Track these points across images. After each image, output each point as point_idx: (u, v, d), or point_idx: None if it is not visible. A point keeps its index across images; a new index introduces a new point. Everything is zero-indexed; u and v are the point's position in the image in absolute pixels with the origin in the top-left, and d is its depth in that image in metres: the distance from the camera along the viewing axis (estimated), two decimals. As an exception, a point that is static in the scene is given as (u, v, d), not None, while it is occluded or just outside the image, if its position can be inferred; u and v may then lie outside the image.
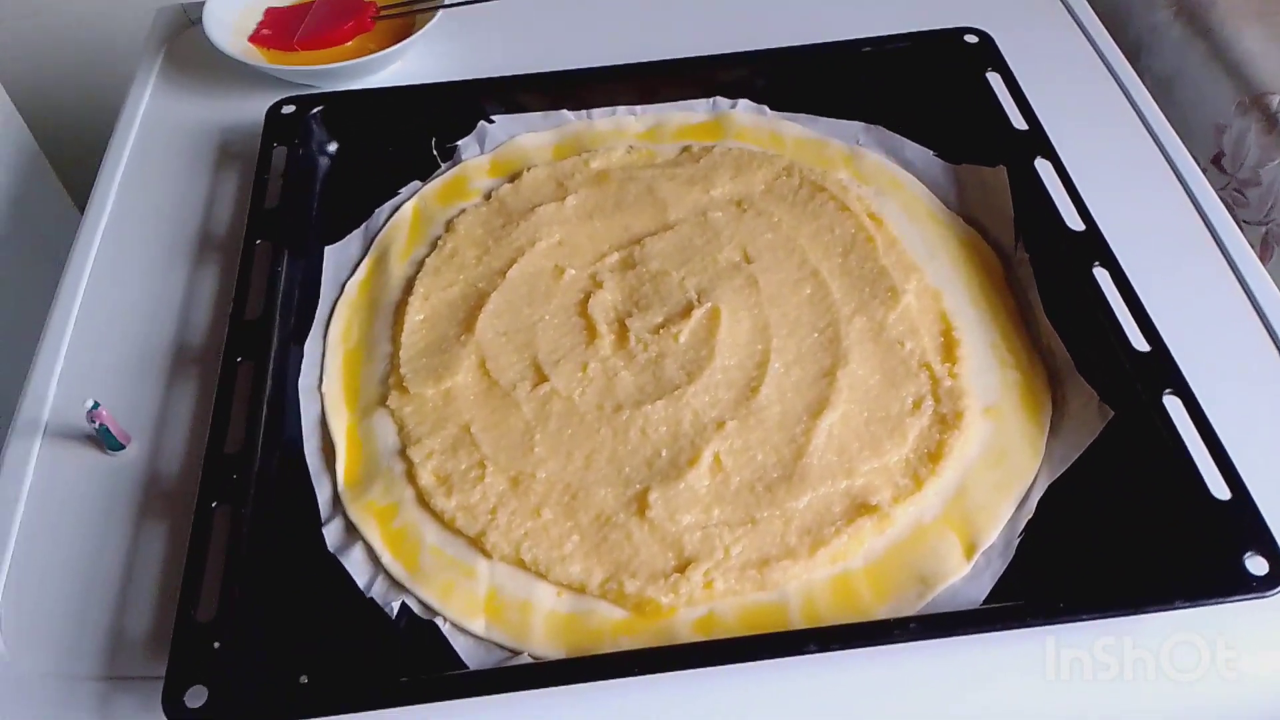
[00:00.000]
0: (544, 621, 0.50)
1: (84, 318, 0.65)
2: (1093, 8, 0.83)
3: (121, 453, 0.58)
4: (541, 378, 0.59)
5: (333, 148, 0.73)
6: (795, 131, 0.73)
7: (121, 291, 0.66)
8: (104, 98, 0.89)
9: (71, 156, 1.06)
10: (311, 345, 0.62)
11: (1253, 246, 0.73)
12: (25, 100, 1.05)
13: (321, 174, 0.72)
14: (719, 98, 0.75)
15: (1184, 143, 0.71)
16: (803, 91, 0.74)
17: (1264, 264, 0.71)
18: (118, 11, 1.08)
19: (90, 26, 1.11)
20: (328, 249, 0.67)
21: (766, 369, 0.58)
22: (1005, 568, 0.51)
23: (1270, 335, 0.59)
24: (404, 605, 0.51)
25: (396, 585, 0.52)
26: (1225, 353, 0.58)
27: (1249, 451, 0.50)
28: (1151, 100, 0.74)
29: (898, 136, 0.71)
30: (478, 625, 0.50)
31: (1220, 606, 0.46)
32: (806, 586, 0.51)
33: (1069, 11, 0.82)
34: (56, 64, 1.17)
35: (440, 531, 0.53)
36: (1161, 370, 0.54)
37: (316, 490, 0.56)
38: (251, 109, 0.74)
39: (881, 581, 0.51)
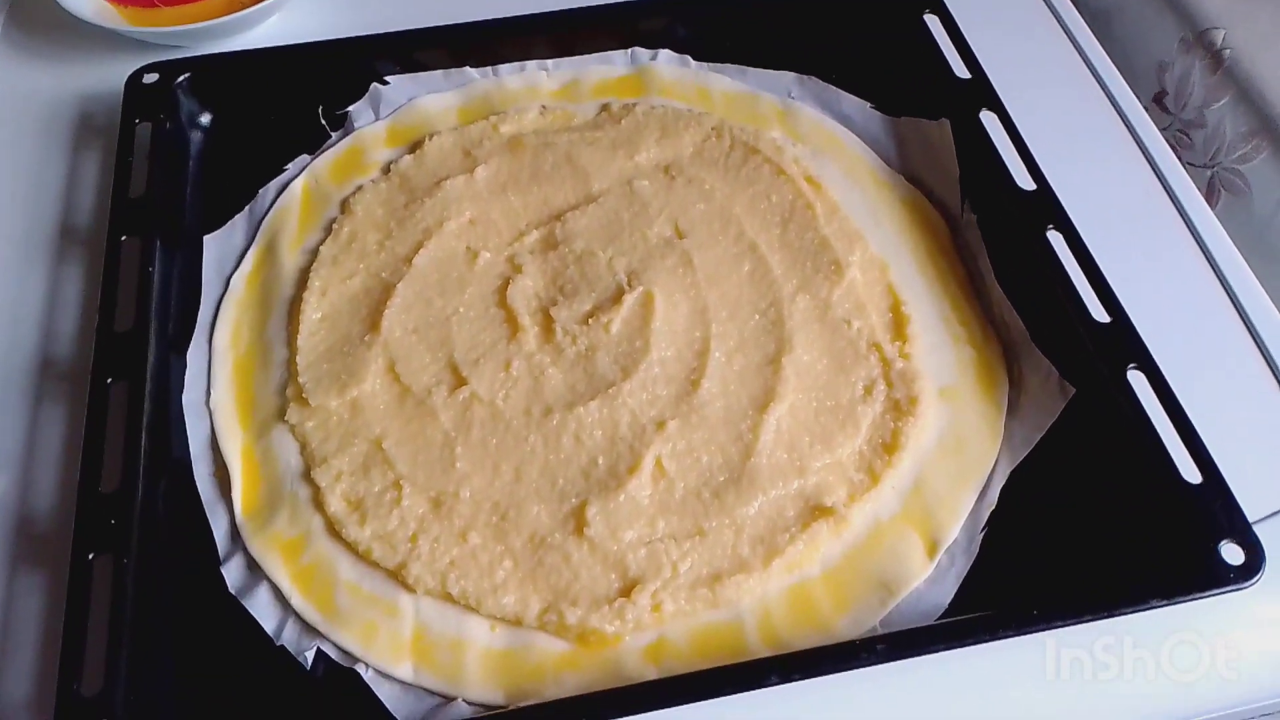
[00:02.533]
0: (479, 660, 0.45)
1: (-72, 330, 0.57)
2: (1026, -64, 0.79)
3: (-16, 491, 0.51)
4: (460, 380, 0.53)
5: (206, 120, 0.65)
6: (723, 85, 0.67)
7: (-29, 298, 0.58)
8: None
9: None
10: (195, 353, 0.55)
11: (1198, 190, 0.70)
12: None
13: (195, 151, 0.64)
14: (637, 49, 0.68)
15: (1125, 81, 0.68)
16: (729, 40, 0.68)
17: (1211, 209, 0.68)
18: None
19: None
20: (207, 238, 0.60)
21: (707, 359, 0.53)
22: (970, 566, 0.48)
23: (1232, 301, 0.57)
24: (320, 652, 0.46)
25: (310, 630, 0.46)
26: (1186, 321, 0.56)
27: (1218, 429, 0.48)
28: (1095, 41, 0.70)
29: (833, 88, 0.66)
30: (404, 670, 0.45)
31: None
32: (762, 601, 0.47)
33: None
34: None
35: (356, 565, 0.48)
36: (1124, 343, 0.51)
37: (212, 523, 0.50)
38: (114, 75, 0.65)
39: (841, 590, 0.48)
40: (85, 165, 0.64)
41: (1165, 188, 0.62)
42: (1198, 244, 0.60)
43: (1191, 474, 0.47)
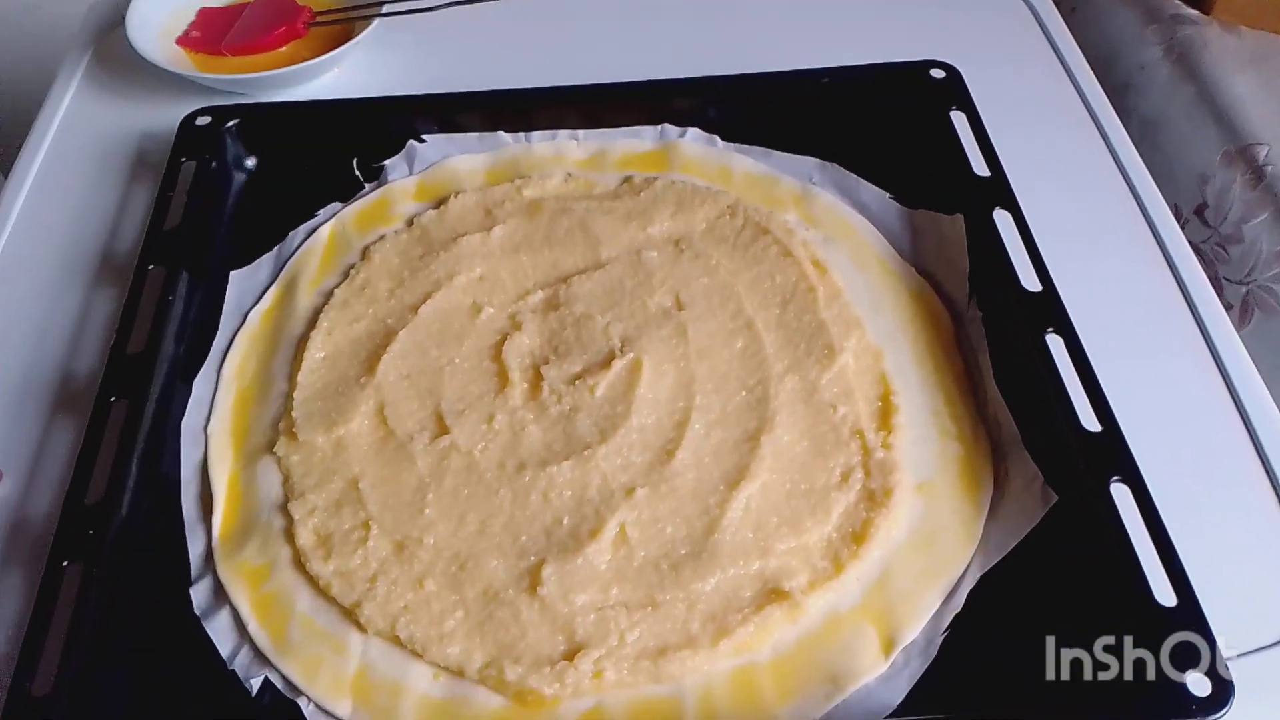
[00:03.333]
0: (415, 708, 0.46)
1: (-32, 338, 0.61)
2: (1080, 42, 0.79)
3: (-11, 488, 0.54)
4: (442, 429, 0.54)
5: (250, 163, 0.69)
6: (745, 166, 0.68)
7: (11, 312, 0.62)
8: (33, 94, 0.84)
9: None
10: (203, 380, 0.58)
11: (1232, 306, 0.69)
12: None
13: (234, 191, 0.67)
14: (667, 125, 0.70)
15: (1168, 191, 0.67)
16: (757, 122, 0.69)
17: (1243, 327, 0.66)
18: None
19: (31, 10, 1.06)
20: (233, 274, 0.63)
21: (686, 430, 0.53)
22: (925, 668, 0.46)
23: (1245, 423, 0.54)
24: (267, 681, 0.46)
25: (261, 658, 0.47)
26: (1193, 438, 0.54)
27: (1212, 554, 0.46)
28: (1133, 149, 0.69)
29: (853, 176, 0.66)
30: (343, 707, 0.46)
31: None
32: (706, 680, 0.46)
33: (1052, 47, 0.78)
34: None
35: (314, 598, 0.49)
36: (1111, 454, 0.49)
37: (189, 545, 0.51)
38: (175, 116, 0.69)
39: (788, 678, 0.46)
40: (135, 198, 0.68)
41: (1187, 300, 0.60)
42: (1215, 361, 0.58)
43: (1167, 597, 0.45)
